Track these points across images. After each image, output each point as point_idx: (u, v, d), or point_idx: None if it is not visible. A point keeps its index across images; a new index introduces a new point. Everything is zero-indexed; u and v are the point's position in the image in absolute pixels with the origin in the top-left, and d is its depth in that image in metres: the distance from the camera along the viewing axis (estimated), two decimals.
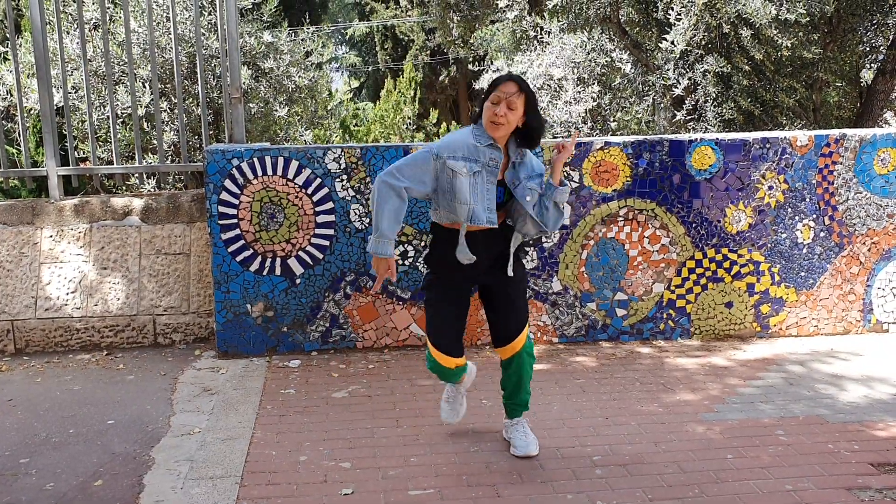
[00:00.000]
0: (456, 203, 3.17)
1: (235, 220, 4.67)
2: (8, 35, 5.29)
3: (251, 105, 7.22)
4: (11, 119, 7.18)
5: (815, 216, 4.98)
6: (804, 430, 3.64)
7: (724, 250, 4.95)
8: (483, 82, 9.39)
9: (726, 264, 4.97)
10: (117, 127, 5.48)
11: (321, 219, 4.71)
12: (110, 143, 6.05)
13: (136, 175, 6.61)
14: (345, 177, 4.69)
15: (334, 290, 4.77)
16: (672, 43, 6.59)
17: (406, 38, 23.16)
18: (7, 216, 4.98)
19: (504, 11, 8.17)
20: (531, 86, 8.36)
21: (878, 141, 4.98)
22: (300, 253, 4.73)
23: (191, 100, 6.81)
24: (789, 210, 4.96)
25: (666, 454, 3.41)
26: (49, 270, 4.94)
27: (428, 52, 22.12)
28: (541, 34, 8.79)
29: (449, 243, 3.27)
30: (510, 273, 3.33)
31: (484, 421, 3.79)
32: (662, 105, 8.15)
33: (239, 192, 4.65)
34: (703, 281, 4.97)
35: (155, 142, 6.48)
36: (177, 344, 5.02)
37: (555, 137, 8.10)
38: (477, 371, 4.44)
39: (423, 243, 4.76)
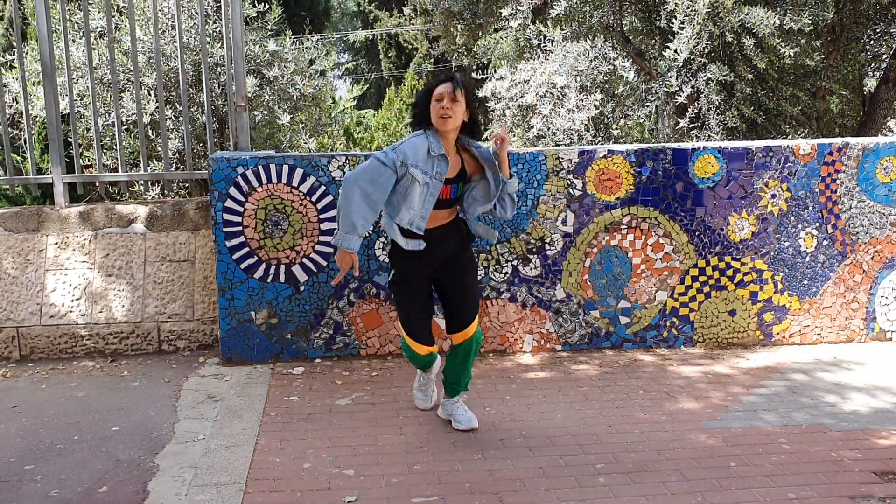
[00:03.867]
0: (404, 207, 3.42)
1: (240, 228, 4.68)
2: (14, 43, 5.32)
3: (255, 113, 7.24)
4: (17, 126, 7.22)
5: (817, 225, 4.99)
6: (807, 438, 3.64)
7: (728, 258, 4.96)
8: (486, 90, 9.41)
9: (729, 272, 4.97)
10: (122, 134, 5.51)
11: (325, 226, 4.73)
12: (115, 150, 6.08)
13: (141, 182, 6.63)
14: None
15: (338, 297, 4.79)
16: (675, 51, 6.60)
17: (410, 46, 23.23)
18: (12, 223, 5.01)
19: (508, 20, 8.17)
20: (535, 93, 8.38)
21: (882, 149, 4.99)
22: (304, 260, 4.75)
23: (196, 108, 6.85)
24: (792, 218, 4.97)
25: (669, 462, 3.41)
26: (54, 277, 4.96)
27: (431, 60, 22.18)
28: (544, 42, 8.80)
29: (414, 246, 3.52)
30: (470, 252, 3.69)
31: (487, 429, 3.79)
32: (665, 113, 8.17)
33: (244, 199, 4.67)
34: (706, 289, 4.98)
35: (160, 149, 6.51)
36: (181, 351, 5.03)
37: (558, 145, 8.11)
38: (480, 379, 4.46)
39: None
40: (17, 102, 6.82)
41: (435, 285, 3.71)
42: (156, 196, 6.76)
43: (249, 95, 6.75)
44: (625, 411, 3.99)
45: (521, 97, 8.63)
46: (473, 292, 3.69)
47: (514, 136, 8.89)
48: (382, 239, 4.74)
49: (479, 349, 3.77)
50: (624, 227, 4.88)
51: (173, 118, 6.88)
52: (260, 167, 4.66)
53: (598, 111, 8.16)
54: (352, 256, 3.41)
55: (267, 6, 7.63)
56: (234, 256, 4.69)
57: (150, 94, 6.69)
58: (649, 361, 4.77)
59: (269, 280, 4.73)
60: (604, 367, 4.68)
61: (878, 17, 7.30)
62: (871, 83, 8.43)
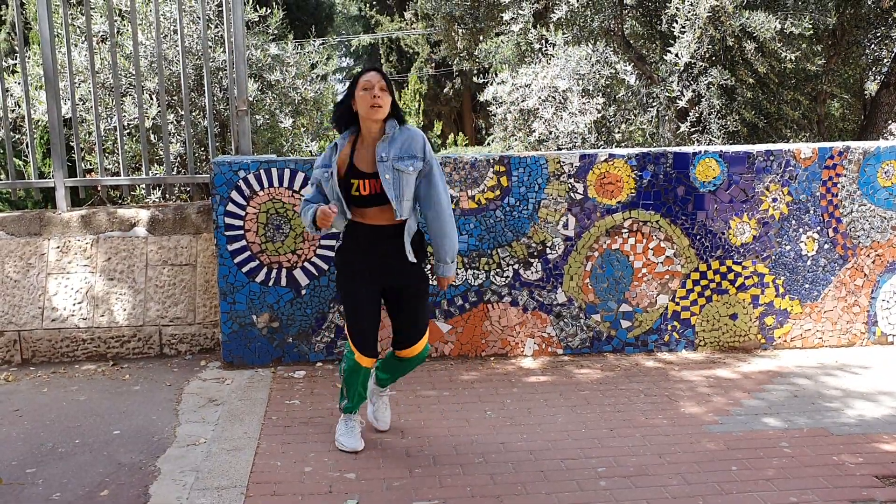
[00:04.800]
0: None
1: (242, 232, 4.69)
2: (17, 47, 5.33)
3: (257, 117, 7.26)
4: (19, 130, 7.23)
5: (819, 228, 4.99)
6: (809, 442, 3.64)
7: (729, 262, 4.96)
8: (488, 94, 9.42)
9: (731, 276, 4.97)
10: (124, 138, 5.52)
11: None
12: (117, 154, 6.09)
13: (143, 186, 6.64)
14: None
15: (339, 301, 4.79)
16: (676, 55, 6.62)
17: (411, 50, 23.27)
18: (14, 227, 5.02)
19: (509, 24, 8.20)
20: (537, 97, 8.39)
21: (883, 153, 4.99)
22: (306, 264, 4.75)
23: (197, 112, 6.86)
24: (793, 222, 4.97)
25: (670, 466, 3.41)
26: (56, 281, 4.96)
27: (433, 64, 22.21)
28: (545, 46, 8.83)
29: (349, 239, 3.49)
30: (411, 259, 3.44)
31: (488, 432, 3.79)
32: (667, 117, 8.18)
33: (245, 203, 4.67)
34: (707, 293, 4.98)
35: (161, 153, 6.52)
36: (182, 354, 5.04)
37: (560, 149, 8.12)
38: (481, 383, 4.46)
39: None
40: (20, 106, 6.84)
41: (386, 300, 3.60)
42: (157, 200, 6.77)
43: (251, 99, 6.76)
44: (626, 415, 3.99)
45: (523, 101, 8.65)
46: (423, 316, 3.58)
47: (516, 139, 8.90)
48: None
49: (423, 361, 3.68)
50: (625, 230, 4.88)
51: (175, 122, 6.89)
52: (261, 171, 4.66)
53: (600, 115, 8.17)
54: (322, 210, 3.30)
55: (268, 10, 7.65)
56: (236, 260, 4.70)
57: (151, 99, 6.70)
58: (651, 365, 4.77)
59: (270, 284, 4.74)
60: (605, 370, 4.68)
61: (878, 21, 7.32)
62: (871, 87, 8.44)
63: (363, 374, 3.55)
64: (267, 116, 7.40)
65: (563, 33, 8.21)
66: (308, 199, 3.53)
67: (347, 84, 3.46)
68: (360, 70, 3.51)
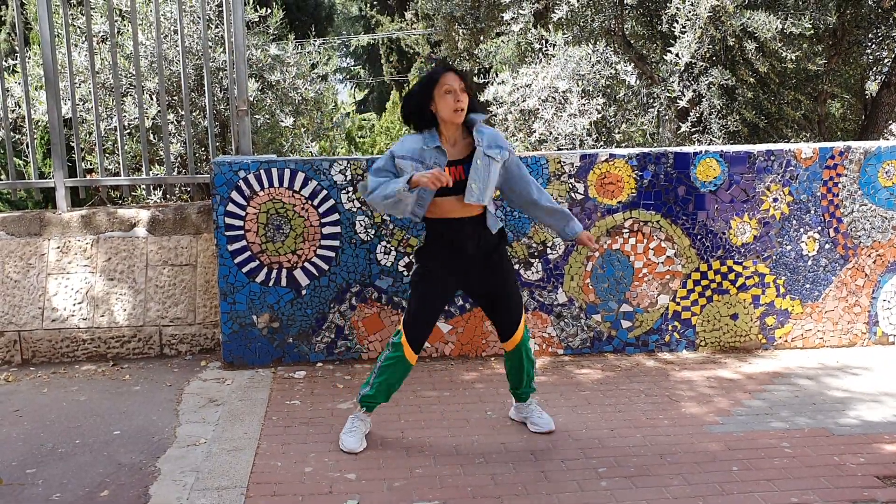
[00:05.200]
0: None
1: (242, 232, 4.69)
2: (17, 47, 5.33)
3: (257, 117, 7.26)
4: (19, 130, 7.23)
5: (819, 228, 4.99)
6: (810, 442, 3.64)
7: (730, 262, 4.96)
8: (488, 94, 9.41)
9: (731, 276, 4.97)
10: (124, 138, 5.52)
11: (327, 230, 4.73)
12: (117, 154, 6.09)
13: (143, 186, 6.64)
14: (351, 189, 4.71)
15: (340, 301, 4.79)
16: (677, 55, 6.61)
17: (411, 50, 23.27)
18: (15, 227, 5.01)
19: (509, 24, 8.18)
20: (537, 98, 8.39)
21: (884, 153, 4.98)
22: (306, 264, 4.75)
23: (198, 112, 6.86)
24: (794, 222, 4.96)
25: (671, 466, 3.40)
26: (56, 281, 4.96)
27: (433, 64, 22.19)
28: (546, 47, 8.81)
29: (436, 234, 3.53)
30: (493, 235, 3.57)
31: (489, 433, 3.79)
32: (667, 117, 8.17)
33: (245, 203, 4.67)
34: (708, 293, 4.97)
35: (162, 153, 6.52)
36: (183, 355, 5.03)
37: (560, 150, 8.11)
38: (481, 383, 4.46)
39: None
40: (20, 107, 6.84)
41: (479, 301, 3.71)
42: (158, 200, 6.77)
43: (251, 99, 6.76)
44: (627, 415, 3.99)
45: (523, 101, 8.64)
46: (516, 295, 3.68)
47: (516, 140, 8.89)
48: (385, 243, 4.75)
49: (531, 348, 3.72)
50: (626, 230, 4.88)
51: (175, 122, 6.89)
52: (262, 171, 4.66)
53: (600, 116, 8.16)
54: (434, 172, 3.26)
55: (269, 10, 7.64)
56: (236, 260, 4.70)
57: (152, 99, 6.70)
58: (651, 365, 4.77)
59: (270, 284, 4.74)
60: (606, 370, 4.68)
61: (879, 20, 7.31)
62: (872, 87, 8.43)
63: (404, 370, 3.59)
64: (267, 116, 7.40)
65: (564, 33, 8.19)
66: (379, 179, 3.47)
67: (421, 84, 3.45)
68: (432, 69, 3.50)
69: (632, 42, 8.14)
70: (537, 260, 4.85)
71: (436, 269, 3.57)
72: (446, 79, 3.38)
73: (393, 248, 4.76)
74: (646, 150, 4.92)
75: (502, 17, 8.34)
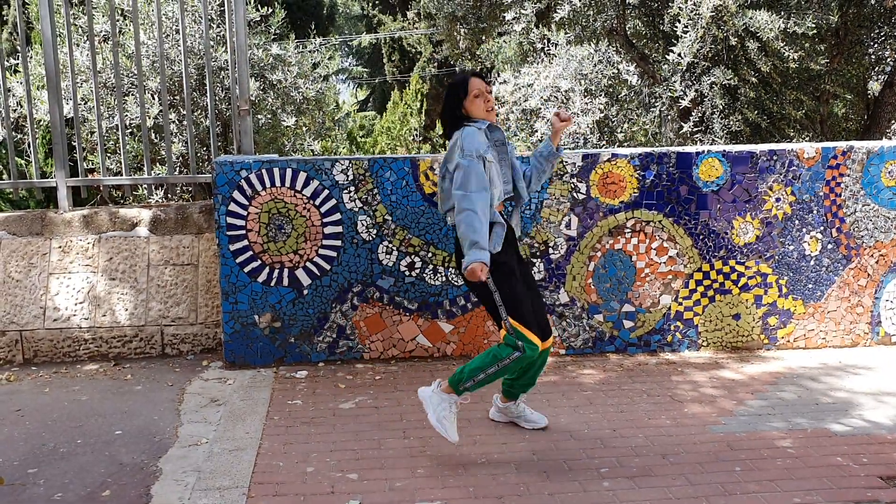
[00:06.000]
0: (493, 189, 3.46)
1: (244, 231, 4.68)
2: (19, 47, 5.33)
3: (259, 116, 7.26)
4: (21, 130, 7.23)
5: (822, 228, 4.98)
6: (812, 442, 3.63)
7: (732, 262, 4.95)
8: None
9: (734, 276, 4.96)
10: (126, 138, 5.52)
11: (329, 230, 4.73)
12: (119, 154, 6.09)
13: (145, 186, 6.64)
14: (352, 188, 4.70)
15: (341, 301, 4.78)
16: (679, 55, 6.60)
17: (413, 50, 23.26)
18: (16, 227, 5.01)
19: (511, 24, 8.18)
20: (539, 97, 8.38)
21: (886, 153, 4.97)
22: (308, 264, 4.74)
23: (199, 111, 6.86)
24: (797, 222, 4.95)
25: (674, 466, 3.40)
26: (58, 281, 4.96)
27: (435, 64, 22.19)
28: (548, 46, 8.81)
29: (504, 230, 3.54)
30: (518, 233, 3.76)
31: (490, 433, 3.78)
32: (669, 117, 8.15)
33: (247, 203, 4.67)
34: (710, 293, 4.96)
35: (163, 153, 6.52)
36: (184, 354, 5.03)
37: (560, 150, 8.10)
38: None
39: (429, 254, 4.77)
40: (22, 106, 6.85)
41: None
42: (159, 200, 6.77)
43: (253, 99, 6.76)
44: (629, 415, 3.98)
45: (525, 101, 8.63)
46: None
47: (518, 140, 8.89)
48: (386, 243, 4.74)
49: (497, 355, 3.55)
50: (628, 230, 4.87)
51: (177, 122, 6.89)
52: (263, 171, 4.66)
53: (602, 115, 8.16)
54: (484, 264, 3.30)
55: (270, 10, 7.65)
56: (238, 260, 4.69)
57: (153, 98, 6.70)
58: (654, 365, 4.76)
59: (272, 284, 4.73)
60: (608, 371, 4.67)
61: (882, 20, 7.30)
62: (875, 87, 8.41)
63: (542, 361, 3.66)
64: (269, 116, 7.40)
65: (566, 33, 8.19)
66: (485, 202, 3.38)
67: (449, 93, 3.59)
68: (457, 76, 3.65)
69: (634, 42, 8.13)
70: (539, 260, 4.84)
71: (511, 264, 3.58)
72: (474, 84, 3.55)
73: (395, 248, 4.76)
74: (648, 149, 4.91)
75: (504, 16, 8.33)
